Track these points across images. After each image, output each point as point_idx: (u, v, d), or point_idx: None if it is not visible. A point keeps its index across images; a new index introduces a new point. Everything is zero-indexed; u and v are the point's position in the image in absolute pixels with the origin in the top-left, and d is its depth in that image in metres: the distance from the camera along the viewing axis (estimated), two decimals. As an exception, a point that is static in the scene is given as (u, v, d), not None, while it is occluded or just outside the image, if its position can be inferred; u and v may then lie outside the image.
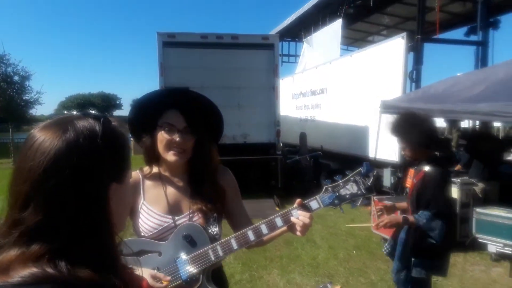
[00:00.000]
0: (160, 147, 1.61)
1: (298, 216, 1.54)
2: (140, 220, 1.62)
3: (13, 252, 0.67)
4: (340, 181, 1.58)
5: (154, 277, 1.46)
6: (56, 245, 0.68)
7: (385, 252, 3.33)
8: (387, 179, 7.75)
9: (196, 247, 1.53)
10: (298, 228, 1.55)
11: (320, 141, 10.97)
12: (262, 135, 9.14)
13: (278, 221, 1.56)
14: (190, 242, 1.54)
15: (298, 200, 1.57)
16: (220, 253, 1.52)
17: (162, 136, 1.59)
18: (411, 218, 2.86)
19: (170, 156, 1.60)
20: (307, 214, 1.54)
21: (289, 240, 5.64)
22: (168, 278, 1.48)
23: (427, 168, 2.92)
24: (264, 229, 1.55)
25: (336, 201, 1.56)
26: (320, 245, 5.78)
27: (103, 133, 0.74)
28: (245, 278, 4.61)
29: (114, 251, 0.77)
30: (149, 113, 1.62)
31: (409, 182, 3.17)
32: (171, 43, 8.68)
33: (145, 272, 1.45)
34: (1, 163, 17.82)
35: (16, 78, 18.34)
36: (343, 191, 1.57)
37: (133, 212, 1.66)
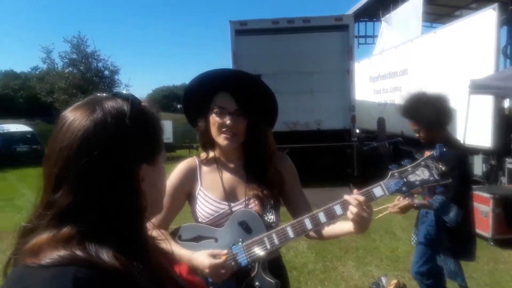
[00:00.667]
0: (213, 130, 1.58)
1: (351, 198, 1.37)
2: (197, 206, 1.61)
3: (45, 235, 0.68)
4: (408, 166, 1.39)
5: (212, 255, 1.44)
6: (86, 227, 0.68)
7: (413, 243, 3.17)
8: (478, 167, 7.04)
9: (252, 234, 1.49)
10: (351, 216, 1.37)
11: (401, 126, 10.30)
12: (336, 121, 8.84)
13: (338, 209, 1.42)
14: (246, 228, 1.50)
15: (356, 189, 1.41)
16: (276, 241, 1.45)
17: (213, 120, 1.56)
18: (423, 201, 2.78)
19: (222, 140, 1.57)
20: (360, 199, 1.35)
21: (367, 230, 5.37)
22: (226, 251, 1.46)
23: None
24: (322, 217, 1.43)
25: (404, 188, 1.38)
26: (401, 237, 5.43)
27: (131, 113, 0.73)
28: (318, 268, 4.49)
29: (142, 233, 0.76)
30: (201, 96, 1.60)
31: None
32: (243, 31, 8.71)
33: (201, 254, 1.45)
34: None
35: (106, 72, 19.92)
36: (412, 177, 1.38)
37: (191, 198, 1.66)
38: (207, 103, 1.59)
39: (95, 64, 19.37)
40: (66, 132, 0.70)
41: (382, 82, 11.83)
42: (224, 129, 1.54)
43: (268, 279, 1.46)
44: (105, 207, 0.69)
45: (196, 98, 1.62)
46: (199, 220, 1.60)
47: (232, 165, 1.66)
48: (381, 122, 10.61)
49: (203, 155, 1.69)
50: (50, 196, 0.69)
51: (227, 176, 1.64)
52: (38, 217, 0.70)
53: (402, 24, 11.82)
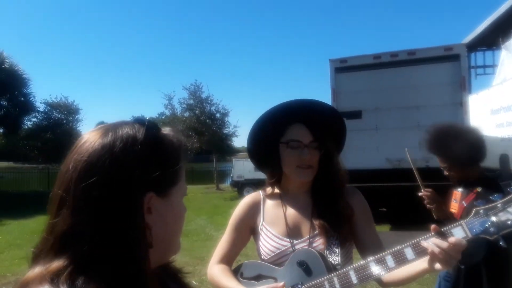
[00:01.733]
0: (287, 165, 1.53)
1: (430, 244, 1.18)
2: (260, 242, 1.56)
3: (38, 268, 0.65)
4: (498, 201, 1.16)
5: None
6: (78, 258, 0.64)
7: None
8: None
9: (312, 276, 1.36)
10: (434, 257, 1.18)
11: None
12: None
13: (408, 252, 1.23)
14: (305, 270, 1.37)
15: (432, 226, 1.21)
16: (337, 286, 1.29)
17: (288, 154, 1.52)
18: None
19: (299, 174, 1.52)
20: (445, 240, 1.15)
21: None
22: (282, 284, 1.35)
23: (480, 188, 2.35)
24: (390, 261, 1.24)
25: (492, 229, 1.14)
26: None
27: (144, 139, 0.69)
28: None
29: (140, 272, 0.66)
30: (270, 131, 1.55)
31: (454, 206, 2.53)
32: (343, 68, 8.67)
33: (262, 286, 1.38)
34: (207, 188, 20.91)
35: (218, 115, 21.40)
36: (503, 216, 1.14)
37: (255, 233, 1.62)
38: (277, 138, 1.54)
39: (209, 108, 21.00)
40: (75, 154, 0.68)
41: (505, 115, 10.51)
42: (300, 163, 1.50)
43: None
44: (100, 237, 0.64)
45: (266, 133, 1.56)
46: (262, 257, 1.53)
47: (299, 200, 1.58)
48: (504, 159, 9.34)
49: (268, 189, 1.64)
50: (52, 219, 0.67)
51: (291, 211, 1.56)
52: (42, 242, 0.68)
53: (527, 50, 10.54)
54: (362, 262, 1.30)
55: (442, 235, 1.18)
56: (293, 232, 1.52)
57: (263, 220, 1.59)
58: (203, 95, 20.93)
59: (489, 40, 13.69)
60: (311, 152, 1.49)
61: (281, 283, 1.36)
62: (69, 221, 0.64)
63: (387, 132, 8.27)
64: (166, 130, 0.77)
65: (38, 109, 21.93)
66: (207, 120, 20.71)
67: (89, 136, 0.71)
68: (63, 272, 0.62)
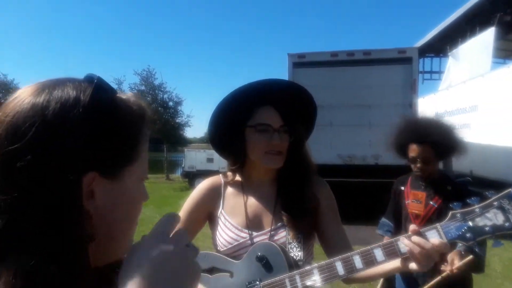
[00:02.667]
0: (254, 151, 1.41)
1: (411, 243, 1.11)
2: (217, 232, 1.44)
3: None
4: (476, 205, 1.09)
5: None
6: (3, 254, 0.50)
7: None
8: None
9: (272, 273, 1.25)
10: (413, 259, 1.11)
11: (469, 165, 9.52)
12: (396, 157, 8.34)
13: (378, 254, 1.15)
14: (265, 265, 1.27)
15: (412, 227, 1.14)
16: (299, 285, 1.19)
17: (256, 139, 1.39)
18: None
19: (268, 161, 1.39)
20: (426, 241, 1.09)
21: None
22: None
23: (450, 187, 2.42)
24: (357, 262, 1.16)
25: (468, 235, 1.07)
26: None
27: (90, 102, 0.54)
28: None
29: (74, 267, 0.52)
30: (235, 114, 1.41)
31: (417, 207, 2.50)
32: (301, 64, 8.69)
33: None
34: (157, 177, 20.40)
35: (170, 103, 20.90)
36: (480, 221, 1.07)
37: (211, 220, 1.50)
38: (243, 121, 1.41)
39: (161, 96, 20.47)
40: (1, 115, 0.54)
41: (449, 119, 11.13)
42: (269, 148, 1.38)
43: None
44: (23, 223, 0.50)
45: (231, 115, 1.41)
46: (218, 247, 1.42)
47: (262, 189, 1.46)
48: (447, 161, 9.88)
49: (229, 175, 1.51)
50: None
51: (253, 200, 1.45)
52: None
53: (471, 59, 11.20)
54: (328, 260, 1.21)
55: (421, 236, 1.12)
56: (253, 223, 1.41)
57: (222, 207, 1.46)
58: (156, 82, 20.38)
59: (437, 48, 14.44)
60: (282, 137, 1.38)
61: None
62: None
63: (340, 129, 8.42)
64: (124, 95, 0.62)
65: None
66: (159, 108, 20.20)
67: (21, 92, 0.56)
68: None
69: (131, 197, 0.61)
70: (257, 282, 1.24)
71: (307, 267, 1.21)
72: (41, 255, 0.50)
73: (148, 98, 20.28)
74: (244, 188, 1.48)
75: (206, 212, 1.50)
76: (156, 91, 20.36)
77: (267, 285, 1.22)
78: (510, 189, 1.08)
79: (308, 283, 1.18)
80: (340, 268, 1.16)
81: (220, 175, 1.54)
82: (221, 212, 1.46)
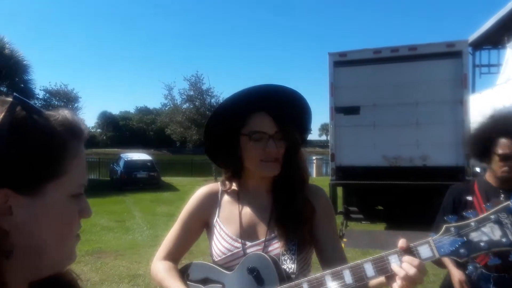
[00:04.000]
0: (249, 159, 1.36)
1: (401, 264, 1.04)
2: (212, 241, 1.41)
3: None
4: (472, 219, 1.01)
5: None
6: None
7: None
8: None
9: (263, 285, 1.21)
10: (399, 281, 1.03)
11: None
12: (446, 157, 7.84)
13: (368, 269, 1.08)
14: (256, 277, 1.22)
15: (401, 241, 1.06)
16: None
17: (251, 147, 1.34)
18: None
19: (264, 169, 1.36)
20: (415, 261, 1.02)
21: None
22: None
23: None
24: (347, 276, 1.09)
25: (462, 250, 0.99)
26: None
27: (3, 119, 0.56)
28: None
29: None
30: (229, 122, 1.37)
31: None
32: (342, 62, 8.46)
33: None
34: (205, 179, 20.83)
35: (217, 107, 21.24)
36: (475, 236, 0.99)
37: (208, 229, 1.47)
38: (237, 129, 1.37)
39: (209, 100, 20.84)
40: None
41: (508, 115, 10.31)
42: (265, 156, 1.33)
43: None
44: None
45: (225, 123, 1.37)
46: (213, 256, 1.40)
47: (257, 199, 1.42)
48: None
49: (227, 183, 1.48)
50: None
51: (248, 210, 1.41)
52: None
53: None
54: (317, 275, 1.15)
55: (410, 253, 1.05)
56: (247, 233, 1.37)
57: (218, 216, 1.44)
58: (204, 87, 20.77)
59: (494, 39, 13.44)
60: (277, 144, 1.34)
61: None
62: None
63: (385, 129, 8.07)
64: (55, 113, 0.63)
65: (38, 96, 21.74)
66: (207, 112, 20.57)
67: None
68: None
69: (57, 213, 0.61)
70: None
71: (297, 281, 1.16)
72: None
73: (197, 103, 20.75)
74: (239, 197, 1.44)
75: (203, 221, 1.47)
76: (204, 95, 20.77)
77: None
78: (509, 202, 0.99)
79: None
80: (329, 283, 1.11)
81: (219, 182, 1.51)
82: (216, 220, 1.43)
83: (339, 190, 8.77)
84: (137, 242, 7.45)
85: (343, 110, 8.34)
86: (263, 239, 1.34)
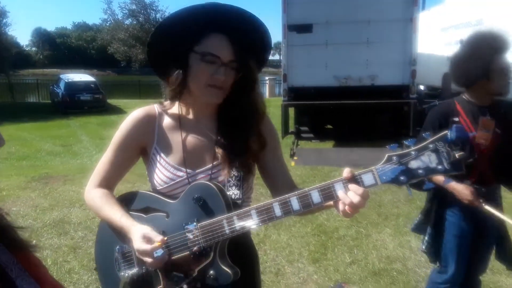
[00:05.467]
0: (195, 80, 1.26)
1: (347, 191, 1.10)
2: (152, 169, 1.34)
3: None
4: (412, 148, 1.07)
5: (146, 238, 1.18)
6: None
7: None
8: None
9: (210, 213, 1.20)
10: (343, 207, 1.11)
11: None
12: (393, 76, 8.05)
13: (315, 196, 1.13)
14: (203, 206, 1.21)
15: (346, 170, 1.11)
16: (237, 226, 1.17)
17: (199, 69, 1.24)
18: None
19: (208, 95, 1.27)
20: (359, 190, 1.08)
21: (412, 197, 4.92)
22: (160, 238, 1.19)
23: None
24: (295, 204, 1.14)
25: (402, 178, 1.07)
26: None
27: None
28: (350, 234, 4.16)
29: None
30: (182, 35, 1.24)
31: (484, 136, 2.19)
32: None
33: (137, 232, 1.20)
34: (155, 102, 20.23)
35: (163, 23, 19.99)
36: (414, 163, 1.07)
37: (145, 156, 1.38)
38: (189, 44, 1.25)
39: (154, 15, 19.46)
40: None
41: (454, 32, 10.54)
42: (212, 82, 1.24)
43: (224, 268, 1.19)
44: None
45: (176, 34, 1.25)
46: (155, 185, 1.33)
47: (201, 124, 1.35)
48: (446, 78, 9.57)
49: (166, 104, 1.36)
50: None
51: (191, 136, 1.34)
52: None
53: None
54: (265, 202, 1.17)
55: (353, 181, 1.11)
56: (191, 161, 1.31)
57: (156, 143, 1.34)
58: (147, 0, 19.22)
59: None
60: (228, 72, 1.25)
61: (159, 238, 1.18)
62: None
63: (336, 48, 8.03)
64: None
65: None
66: (152, 28, 19.36)
67: None
68: None
69: None
70: (194, 224, 1.20)
71: (245, 209, 1.18)
72: None
73: (140, 18, 19.35)
74: (181, 122, 1.35)
75: (139, 147, 1.37)
76: (148, 10, 19.30)
77: (204, 226, 1.19)
78: (446, 131, 1.04)
79: (246, 224, 1.16)
80: (277, 210, 1.15)
81: (155, 105, 1.39)
82: (155, 148, 1.34)
83: (291, 111, 8.89)
84: (86, 166, 7.24)
85: (296, 28, 8.11)
86: (209, 166, 1.31)
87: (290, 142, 8.52)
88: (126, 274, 1.25)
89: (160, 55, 1.31)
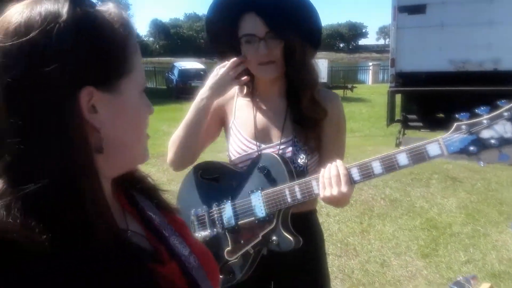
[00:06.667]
0: (249, 64, 1.37)
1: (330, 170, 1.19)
2: (229, 141, 1.48)
3: None
4: (484, 116, 1.02)
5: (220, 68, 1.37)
6: (12, 178, 0.53)
7: None
8: None
9: (274, 182, 1.30)
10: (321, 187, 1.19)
11: None
12: None
13: (376, 167, 1.14)
14: (267, 175, 1.31)
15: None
16: (298, 195, 1.24)
17: (247, 51, 1.34)
18: None
19: (262, 73, 1.37)
20: (334, 169, 1.18)
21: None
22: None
23: None
24: (355, 173, 1.19)
25: (472, 148, 1.02)
26: None
27: (70, 16, 0.54)
28: (465, 232, 3.87)
29: (87, 180, 0.55)
30: (226, 24, 1.36)
31: None
32: None
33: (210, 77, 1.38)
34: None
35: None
36: (486, 133, 1.02)
37: (226, 130, 1.52)
38: (235, 31, 1.35)
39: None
40: None
41: None
42: (259, 59, 1.32)
43: (286, 235, 1.28)
44: (31, 149, 0.53)
45: (222, 27, 1.38)
46: (230, 156, 1.46)
47: (270, 102, 1.43)
48: None
49: (243, 88, 1.48)
50: None
51: (263, 113, 1.44)
52: None
53: None
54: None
55: (415, 151, 1.09)
56: (261, 135, 1.41)
57: (234, 118, 1.48)
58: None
59: None
60: (270, 44, 1.30)
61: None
62: None
63: (454, 29, 7.35)
64: (104, 6, 0.61)
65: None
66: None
67: (5, 15, 0.56)
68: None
69: (133, 107, 0.62)
70: (259, 191, 1.30)
71: (306, 178, 1.25)
72: (56, 175, 0.53)
73: None
74: (253, 100, 1.46)
75: (220, 119, 1.51)
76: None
77: (267, 194, 1.28)
78: None
79: (306, 193, 1.23)
80: (315, 187, 1.23)
81: (237, 87, 1.52)
82: (233, 122, 1.47)
83: (398, 98, 8.44)
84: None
85: (407, 9, 7.62)
86: (278, 142, 1.38)
87: (396, 131, 8.12)
88: (200, 235, 1.38)
89: (219, 46, 1.45)
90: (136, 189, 0.74)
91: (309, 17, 1.37)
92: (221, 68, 1.36)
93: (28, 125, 0.53)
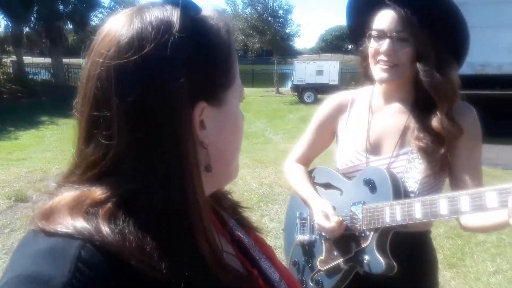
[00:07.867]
0: (370, 60, 1.26)
1: None
2: (338, 150, 1.41)
3: (70, 194, 0.50)
4: None
5: (325, 216, 1.24)
6: (120, 189, 0.49)
7: None
8: None
9: (377, 198, 1.19)
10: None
11: None
12: None
13: (490, 198, 0.93)
14: (372, 189, 1.20)
15: None
16: (398, 216, 1.10)
17: (370, 46, 1.24)
18: None
19: (377, 72, 1.23)
20: None
21: None
22: (337, 220, 1.22)
23: None
24: (464, 203, 0.98)
25: None
26: None
27: (182, 25, 0.50)
28: (490, 240, 3.72)
29: (193, 199, 0.50)
30: (363, 16, 1.27)
31: None
32: None
33: (318, 207, 1.27)
34: (267, 91, 20.73)
35: (280, 12, 20.17)
36: None
37: (337, 140, 1.45)
38: (367, 26, 1.26)
39: (271, 4, 19.75)
40: (94, 55, 0.50)
41: None
42: (380, 58, 1.20)
43: (378, 256, 1.14)
44: (145, 165, 0.49)
45: (359, 18, 1.29)
46: (337, 164, 1.39)
47: (390, 109, 1.29)
48: None
49: (360, 89, 1.42)
50: (81, 143, 0.52)
51: (378, 122, 1.30)
52: (72, 167, 0.53)
53: None
54: (432, 196, 1.07)
55: None
56: (373, 147, 1.30)
57: (346, 127, 1.39)
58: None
59: None
60: (396, 44, 1.17)
61: (336, 219, 1.22)
62: (105, 145, 0.49)
63: (473, 32, 7.00)
64: (207, 11, 0.55)
65: (103, 4, 21.99)
66: (269, 18, 19.64)
67: (110, 27, 0.51)
68: (102, 204, 0.48)
69: (235, 120, 0.59)
70: (360, 205, 1.22)
71: (410, 199, 1.11)
72: (166, 190, 0.49)
73: (258, 8, 19.81)
74: (371, 107, 1.34)
75: (331, 130, 1.45)
76: (267, -1, 19.65)
77: (367, 209, 1.20)
78: None
79: (407, 215, 1.09)
80: (443, 207, 1.03)
81: (351, 91, 1.45)
82: (343, 130, 1.40)
83: None
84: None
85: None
86: (389, 155, 1.25)
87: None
88: (299, 238, 1.38)
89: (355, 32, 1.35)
90: (220, 207, 0.71)
91: (457, 29, 1.19)
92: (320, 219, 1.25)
93: (146, 148, 0.49)
